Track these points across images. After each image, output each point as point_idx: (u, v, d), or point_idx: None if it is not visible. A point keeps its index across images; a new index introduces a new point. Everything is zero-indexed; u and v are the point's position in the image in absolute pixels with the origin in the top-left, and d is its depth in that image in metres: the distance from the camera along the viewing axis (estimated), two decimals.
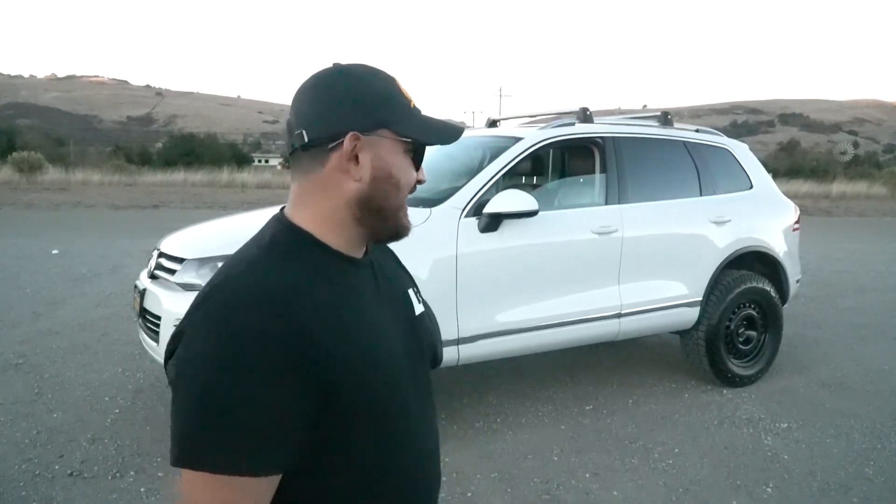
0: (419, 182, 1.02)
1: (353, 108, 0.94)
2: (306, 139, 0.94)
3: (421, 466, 1.04)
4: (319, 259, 0.95)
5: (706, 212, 4.39)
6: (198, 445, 0.80)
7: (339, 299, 0.94)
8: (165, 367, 0.97)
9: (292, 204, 0.99)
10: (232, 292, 0.87)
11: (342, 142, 0.93)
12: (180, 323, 0.90)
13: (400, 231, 1.02)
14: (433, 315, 3.23)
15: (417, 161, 1.00)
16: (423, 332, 1.13)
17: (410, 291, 1.14)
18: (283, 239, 0.96)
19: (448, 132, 1.00)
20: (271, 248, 0.94)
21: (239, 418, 0.80)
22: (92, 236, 11.25)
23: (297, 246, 0.95)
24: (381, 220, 0.98)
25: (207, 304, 0.87)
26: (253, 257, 0.93)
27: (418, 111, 1.00)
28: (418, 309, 1.14)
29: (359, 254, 1.02)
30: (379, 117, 0.95)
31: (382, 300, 1.04)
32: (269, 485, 0.84)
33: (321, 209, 0.96)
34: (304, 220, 0.97)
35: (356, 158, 0.94)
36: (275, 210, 1.06)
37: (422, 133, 0.98)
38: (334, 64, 1.00)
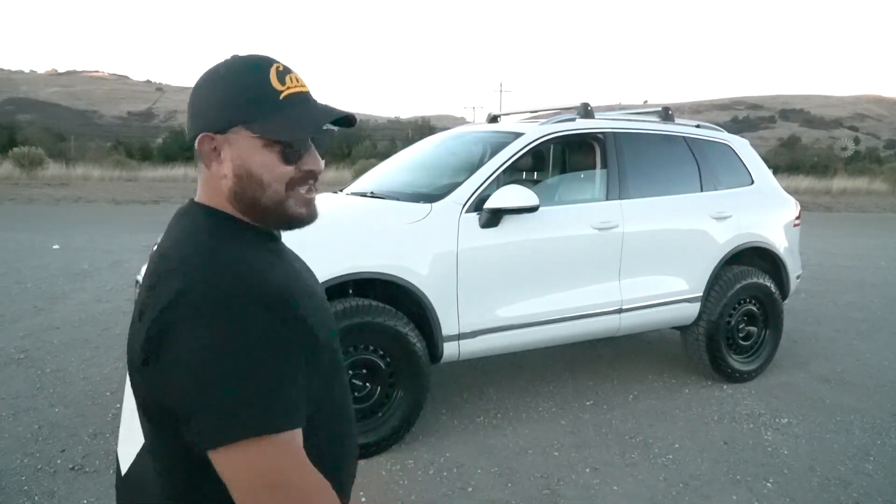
0: (311, 173, 0.97)
1: (208, 107, 0.94)
2: (187, 140, 0.97)
3: (353, 434, 1.11)
4: (254, 238, 0.97)
5: (707, 207, 4.39)
6: (245, 414, 0.81)
7: (290, 270, 0.99)
8: (141, 367, 0.88)
9: (202, 193, 1.01)
10: (211, 277, 0.86)
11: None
12: (156, 323, 0.85)
13: (293, 220, 0.99)
14: None
15: (292, 154, 0.94)
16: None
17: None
18: (215, 222, 0.96)
19: (308, 124, 0.94)
20: (211, 232, 0.94)
21: (268, 380, 0.83)
22: (92, 231, 11.24)
23: (231, 227, 0.96)
24: (263, 213, 0.97)
25: (193, 296, 0.85)
26: (203, 243, 0.92)
27: (302, 99, 0.95)
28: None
29: (277, 234, 1.05)
30: (231, 115, 0.92)
31: (308, 271, 1.11)
32: (300, 440, 0.87)
33: (222, 202, 0.98)
34: (221, 206, 0.98)
35: (219, 157, 0.94)
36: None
37: (277, 129, 0.92)
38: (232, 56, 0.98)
